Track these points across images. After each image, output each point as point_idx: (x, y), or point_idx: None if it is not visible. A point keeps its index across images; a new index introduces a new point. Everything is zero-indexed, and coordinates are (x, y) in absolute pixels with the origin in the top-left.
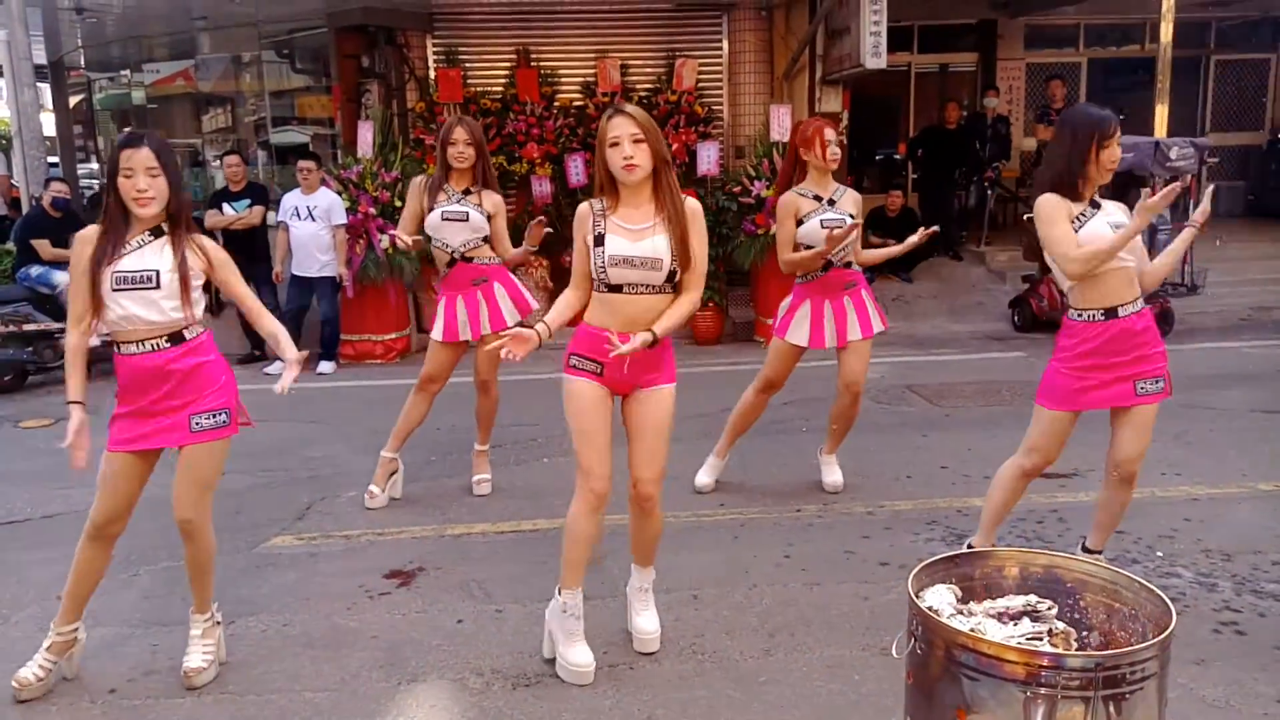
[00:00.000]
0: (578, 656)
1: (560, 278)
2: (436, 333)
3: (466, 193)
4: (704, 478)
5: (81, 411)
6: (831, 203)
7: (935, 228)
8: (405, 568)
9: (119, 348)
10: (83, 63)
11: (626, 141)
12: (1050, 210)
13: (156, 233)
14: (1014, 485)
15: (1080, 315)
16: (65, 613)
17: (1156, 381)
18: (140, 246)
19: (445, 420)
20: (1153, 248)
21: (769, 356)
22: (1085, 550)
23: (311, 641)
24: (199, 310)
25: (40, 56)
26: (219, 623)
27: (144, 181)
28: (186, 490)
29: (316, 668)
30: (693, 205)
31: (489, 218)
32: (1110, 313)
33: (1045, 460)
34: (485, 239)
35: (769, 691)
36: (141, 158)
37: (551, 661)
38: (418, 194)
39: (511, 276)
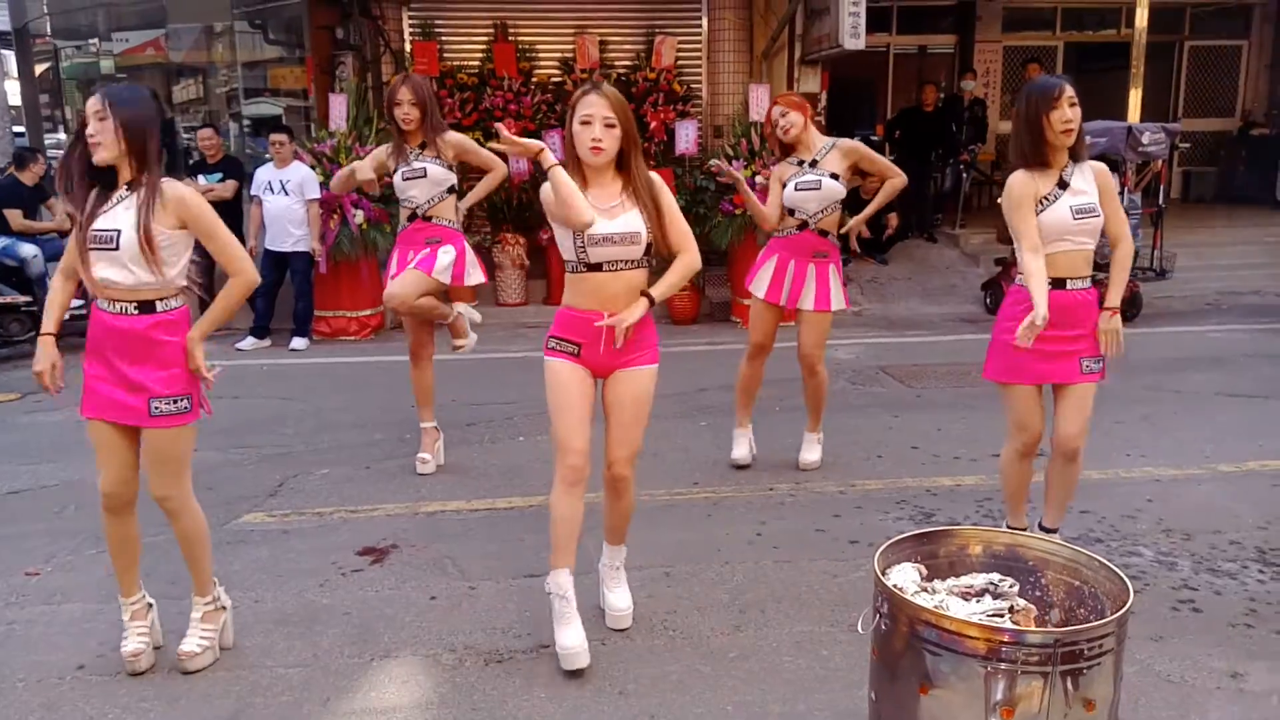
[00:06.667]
0: (566, 639)
1: (536, 256)
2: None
3: (423, 146)
4: (738, 452)
5: (50, 344)
6: (814, 163)
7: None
8: (378, 545)
9: (98, 300)
10: (49, 30)
11: (598, 123)
12: (1018, 193)
13: (132, 188)
14: (1018, 468)
15: None
16: (122, 588)
17: (1097, 361)
18: (114, 205)
19: None
20: None
21: (750, 319)
22: (1043, 529)
23: (283, 618)
24: (172, 273)
25: (4, 23)
26: (224, 607)
27: (92, 126)
28: (154, 472)
29: (288, 644)
30: (655, 177)
31: (450, 167)
32: (1058, 283)
33: (1032, 436)
34: (451, 189)
35: (739, 667)
36: (91, 104)
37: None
38: (379, 156)
39: (466, 244)
